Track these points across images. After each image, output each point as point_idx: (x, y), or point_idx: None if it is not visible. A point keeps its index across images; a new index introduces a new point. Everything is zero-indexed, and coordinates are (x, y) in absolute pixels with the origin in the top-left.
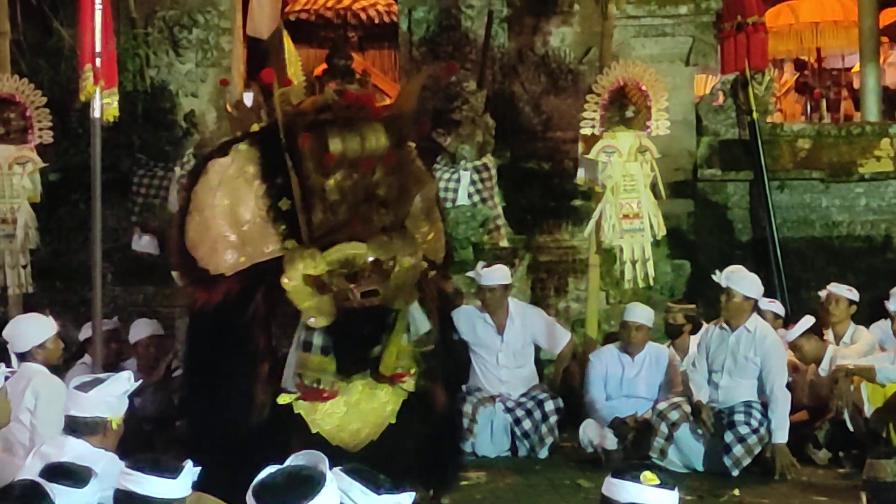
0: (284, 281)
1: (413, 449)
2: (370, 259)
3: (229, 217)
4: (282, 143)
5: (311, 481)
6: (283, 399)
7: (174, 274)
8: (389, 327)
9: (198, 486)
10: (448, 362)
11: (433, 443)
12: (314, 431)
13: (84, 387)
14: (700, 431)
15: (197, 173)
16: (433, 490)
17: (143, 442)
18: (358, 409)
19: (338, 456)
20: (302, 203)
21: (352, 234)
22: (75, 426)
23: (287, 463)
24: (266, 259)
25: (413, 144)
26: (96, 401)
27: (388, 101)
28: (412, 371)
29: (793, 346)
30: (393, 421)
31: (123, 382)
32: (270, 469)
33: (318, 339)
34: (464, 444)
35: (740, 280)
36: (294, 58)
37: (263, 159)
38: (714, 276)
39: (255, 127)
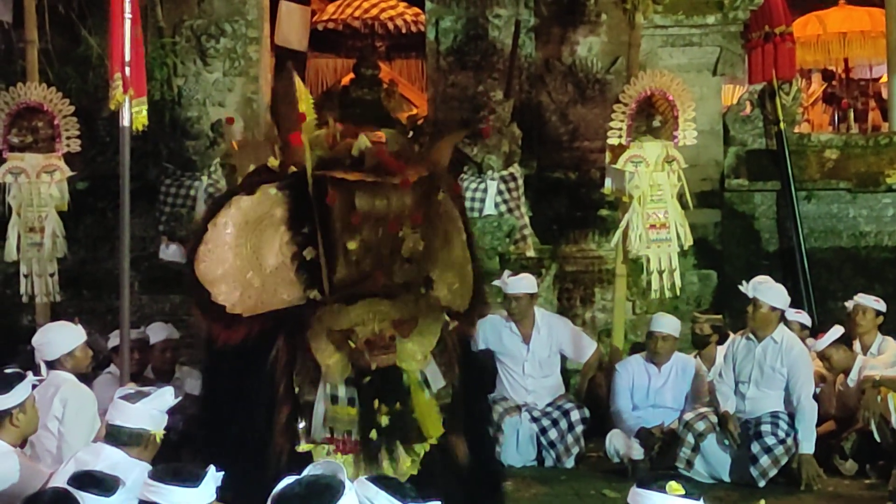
0: (309, 338)
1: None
2: (391, 318)
3: (252, 259)
4: (310, 193)
5: (330, 490)
6: (303, 447)
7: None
8: (404, 388)
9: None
10: (473, 413)
11: (464, 494)
12: None
13: (130, 398)
14: (727, 442)
15: (219, 206)
16: None
17: (170, 452)
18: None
19: None
20: (326, 257)
21: (374, 287)
22: (118, 436)
23: (305, 473)
24: (286, 306)
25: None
26: (143, 413)
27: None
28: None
29: (822, 355)
30: (414, 472)
31: (168, 398)
32: (288, 479)
33: (342, 392)
34: (502, 492)
35: (767, 291)
36: (305, 95)
37: (291, 205)
38: (741, 287)
39: (274, 162)
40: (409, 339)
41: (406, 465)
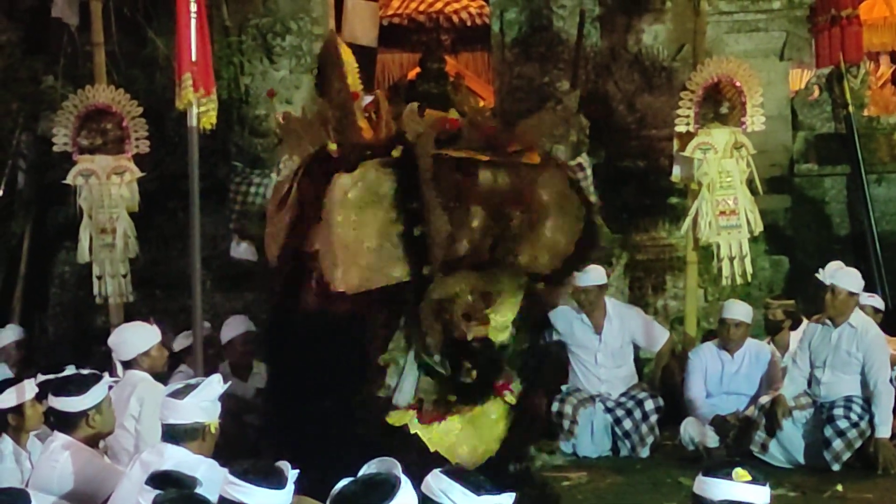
0: (421, 310)
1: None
2: (480, 291)
3: (358, 238)
4: (420, 172)
5: (387, 485)
6: (394, 419)
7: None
8: (495, 356)
9: (301, 490)
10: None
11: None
12: (433, 450)
13: (178, 394)
14: (802, 423)
15: (315, 180)
16: None
17: (249, 449)
18: (473, 426)
19: None
20: (435, 234)
21: (475, 263)
22: (175, 434)
23: (361, 473)
24: (394, 283)
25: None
26: (193, 407)
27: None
28: (512, 383)
29: None
30: (506, 435)
31: (216, 386)
32: (345, 481)
33: (434, 361)
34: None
35: (844, 276)
36: (351, 67)
37: (397, 182)
38: (818, 275)
39: (332, 146)
40: (492, 310)
41: (501, 425)
